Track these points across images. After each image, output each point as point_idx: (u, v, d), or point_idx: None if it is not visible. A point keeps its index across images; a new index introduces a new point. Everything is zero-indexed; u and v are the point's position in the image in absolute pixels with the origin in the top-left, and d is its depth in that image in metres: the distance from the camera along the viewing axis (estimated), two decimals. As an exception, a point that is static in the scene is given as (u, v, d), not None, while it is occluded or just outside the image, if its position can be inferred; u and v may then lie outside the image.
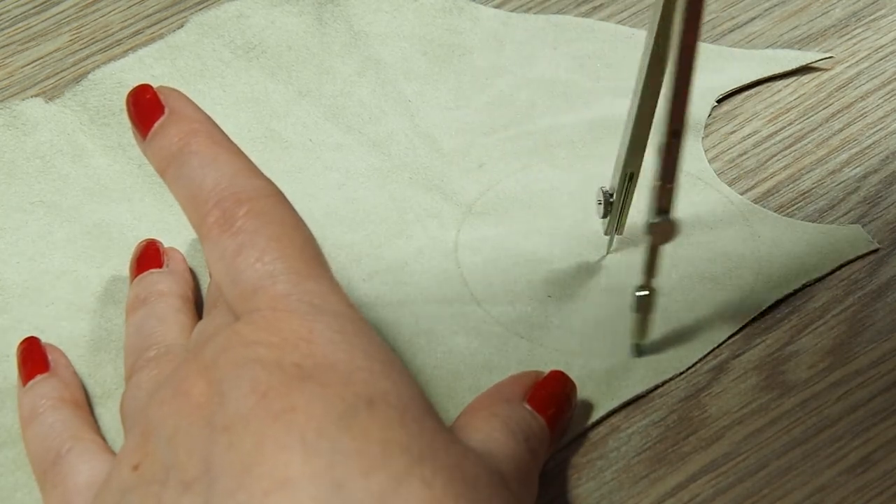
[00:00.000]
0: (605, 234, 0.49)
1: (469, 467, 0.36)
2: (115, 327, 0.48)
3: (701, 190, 0.52)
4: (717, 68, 0.56)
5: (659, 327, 0.48)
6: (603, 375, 0.46)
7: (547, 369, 0.46)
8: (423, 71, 0.57)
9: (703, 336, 0.48)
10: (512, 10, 0.60)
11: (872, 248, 0.50)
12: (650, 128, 0.45)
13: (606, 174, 0.48)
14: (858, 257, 0.50)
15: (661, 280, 0.49)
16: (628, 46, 0.57)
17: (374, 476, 0.34)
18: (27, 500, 0.44)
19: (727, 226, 0.51)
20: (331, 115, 0.55)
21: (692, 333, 0.48)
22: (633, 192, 0.47)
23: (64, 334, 0.48)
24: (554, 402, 0.44)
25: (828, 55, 0.56)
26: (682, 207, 0.51)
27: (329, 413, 0.35)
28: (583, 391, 0.46)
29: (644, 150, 0.46)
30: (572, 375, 0.46)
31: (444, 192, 0.53)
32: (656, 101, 0.45)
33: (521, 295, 0.49)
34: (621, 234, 0.49)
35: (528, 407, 0.43)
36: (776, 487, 0.44)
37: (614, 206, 0.48)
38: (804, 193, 0.52)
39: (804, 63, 0.56)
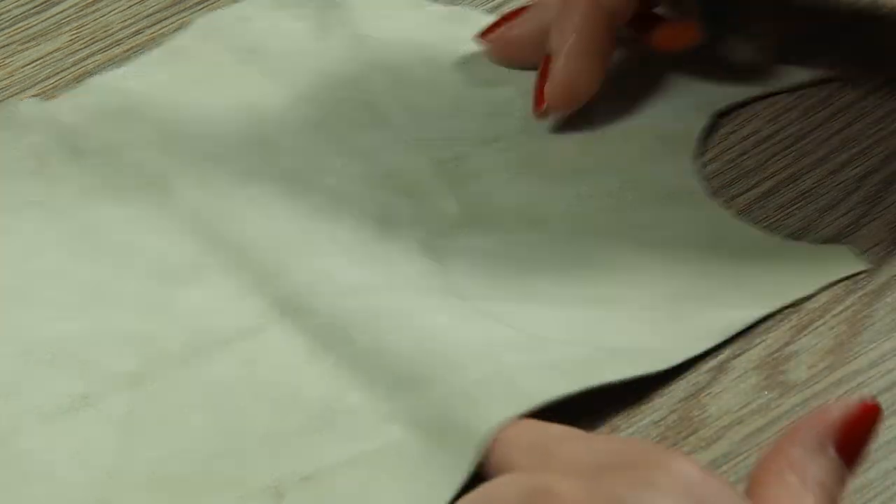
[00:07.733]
0: None
1: None
2: (106, 328, 0.48)
3: (689, 208, 0.52)
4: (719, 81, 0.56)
5: (639, 334, 0.48)
6: (582, 362, 0.46)
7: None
8: (423, 78, 0.57)
9: (682, 345, 0.47)
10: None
11: (861, 268, 0.49)
12: None
13: (600, 186, 0.48)
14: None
15: (644, 296, 0.49)
16: None
17: None
18: (10, 501, 0.44)
19: (714, 245, 0.50)
20: (327, 121, 0.55)
21: (672, 341, 0.47)
22: None
23: (53, 335, 0.48)
24: (864, 447, 0.36)
25: (836, 72, 0.56)
26: (670, 226, 0.51)
27: None
28: (561, 378, 0.45)
29: None
30: (549, 358, 0.45)
31: (434, 200, 0.53)
32: None
33: (507, 300, 0.49)
34: None
35: (836, 457, 0.36)
36: (775, 488, 0.44)
37: None
38: (804, 193, 0.52)
39: (812, 79, 0.56)
